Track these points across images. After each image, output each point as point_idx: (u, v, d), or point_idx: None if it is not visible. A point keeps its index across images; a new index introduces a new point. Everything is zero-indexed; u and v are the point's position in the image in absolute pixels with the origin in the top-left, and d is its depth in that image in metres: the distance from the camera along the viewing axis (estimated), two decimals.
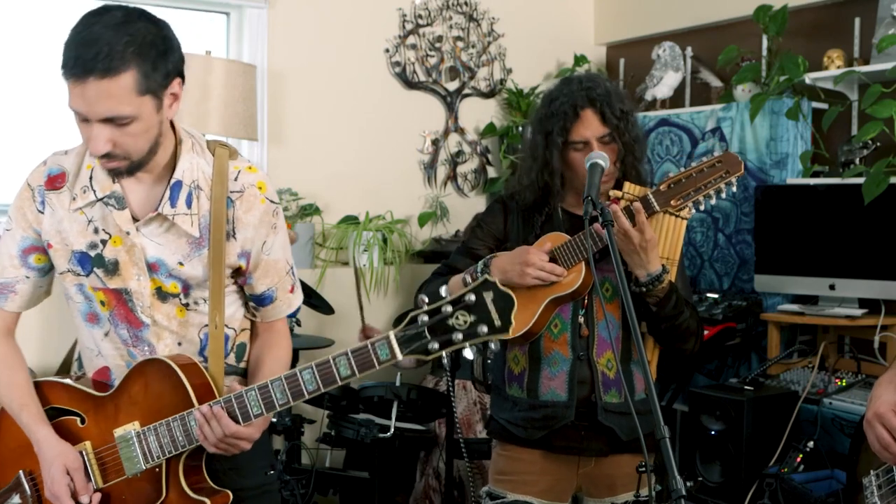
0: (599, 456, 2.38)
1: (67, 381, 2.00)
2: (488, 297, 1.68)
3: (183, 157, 1.90)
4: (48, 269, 1.99)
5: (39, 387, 2.00)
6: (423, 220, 4.56)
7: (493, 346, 1.71)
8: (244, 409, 1.81)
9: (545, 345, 2.39)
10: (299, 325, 3.78)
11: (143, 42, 1.73)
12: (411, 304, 4.35)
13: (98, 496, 1.90)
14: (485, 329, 1.68)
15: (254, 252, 1.96)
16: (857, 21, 3.81)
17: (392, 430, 3.48)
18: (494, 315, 1.68)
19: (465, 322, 1.68)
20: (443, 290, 1.71)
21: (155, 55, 1.75)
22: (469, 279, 2.37)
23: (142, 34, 1.74)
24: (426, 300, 1.70)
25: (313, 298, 3.78)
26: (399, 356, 1.71)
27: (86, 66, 1.70)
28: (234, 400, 1.82)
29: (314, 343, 3.87)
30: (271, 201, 1.97)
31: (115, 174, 1.87)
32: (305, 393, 1.78)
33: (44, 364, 2.53)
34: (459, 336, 1.68)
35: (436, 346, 1.69)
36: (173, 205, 1.89)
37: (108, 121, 1.75)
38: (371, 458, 3.54)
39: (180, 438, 1.84)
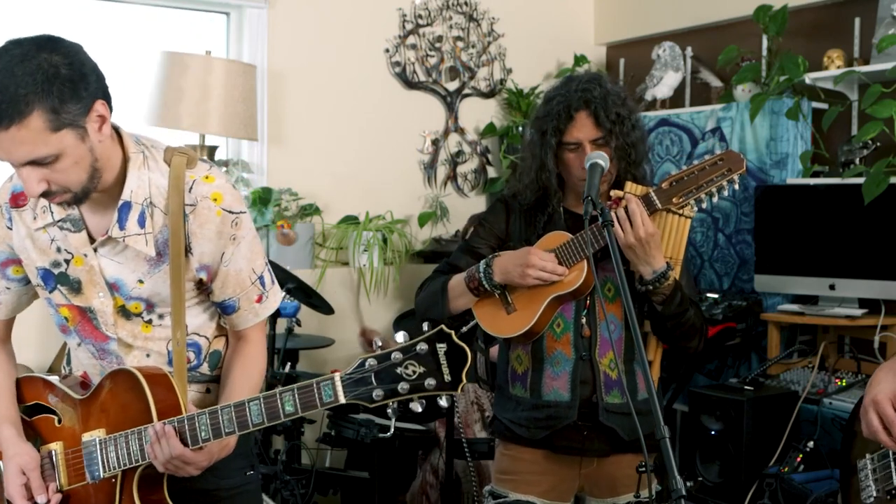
0: (601, 456, 2.39)
1: (52, 378, 2.01)
2: (441, 349, 1.62)
3: (130, 175, 1.83)
4: (28, 280, 1.98)
5: (25, 383, 2.01)
6: (423, 220, 4.56)
7: (441, 402, 1.65)
8: (194, 433, 1.78)
9: (548, 344, 2.39)
10: (299, 324, 3.78)
11: (45, 79, 1.65)
12: (411, 305, 4.35)
13: (59, 497, 1.89)
14: (433, 383, 1.61)
15: (213, 264, 1.90)
16: (857, 21, 3.81)
17: (392, 430, 3.47)
18: (445, 370, 1.61)
19: (414, 373, 1.62)
20: (399, 336, 1.65)
21: (60, 88, 1.66)
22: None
23: (42, 70, 1.65)
24: (379, 343, 1.67)
25: (313, 298, 3.78)
26: (342, 399, 1.65)
27: None
28: (186, 422, 1.79)
29: (314, 342, 3.87)
30: (229, 212, 1.87)
31: (67, 205, 1.83)
32: (250, 425, 1.75)
33: (41, 363, 2.53)
34: (406, 387, 1.62)
35: (380, 393, 1.63)
36: (122, 227, 1.84)
37: (33, 163, 1.70)
38: (371, 458, 3.54)
39: (135, 453, 1.82)
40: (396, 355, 1.63)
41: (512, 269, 2.33)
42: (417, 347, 1.62)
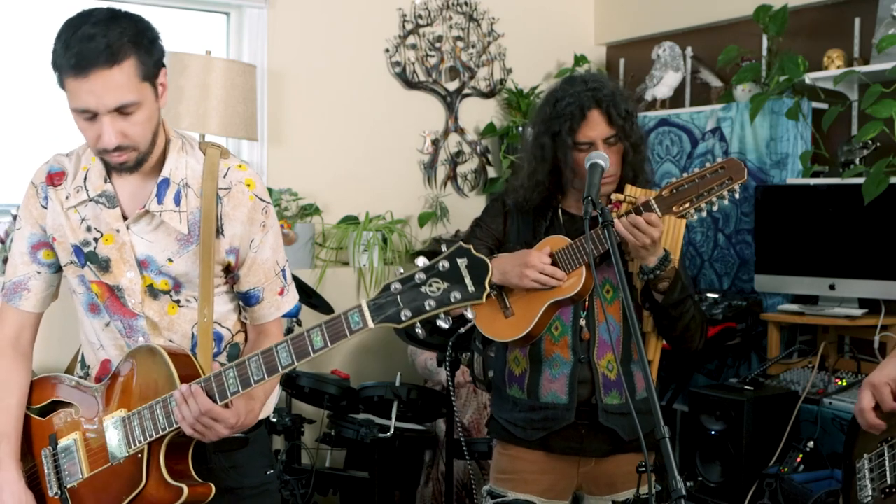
0: (601, 456, 2.39)
1: (63, 375, 2.04)
2: (462, 263, 1.63)
3: (171, 155, 1.95)
4: (57, 267, 2.03)
5: (39, 383, 2.04)
6: (423, 220, 4.56)
7: (468, 313, 1.67)
8: (222, 388, 1.80)
9: (546, 347, 2.39)
10: (300, 325, 3.78)
11: (135, 32, 1.83)
12: None
13: None
14: (458, 295, 1.62)
15: (242, 248, 1.96)
16: (857, 21, 3.81)
17: (392, 430, 3.48)
18: (468, 281, 1.63)
19: (438, 289, 1.63)
20: (419, 261, 1.67)
21: (147, 43, 1.85)
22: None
23: (131, 26, 1.84)
24: (401, 270, 1.68)
25: (313, 298, 3.78)
26: (371, 324, 1.67)
27: (89, 60, 1.77)
28: (213, 379, 1.81)
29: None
30: (260, 199, 1.97)
31: (125, 169, 1.90)
32: (280, 367, 1.76)
33: (45, 365, 2.53)
34: (432, 303, 1.63)
35: (408, 313, 1.65)
36: (160, 201, 1.92)
37: (117, 111, 1.80)
38: (371, 458, 3.54)
39: (161, 421, 1.83)
40: (420, 276, 1.65)
41: (510, 270, 2.33)
42: (439, 265, 1.64)
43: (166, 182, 1.93)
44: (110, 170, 1.95)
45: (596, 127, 2.33)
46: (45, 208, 2.00)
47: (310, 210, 4.27)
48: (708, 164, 2.27)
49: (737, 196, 2.27)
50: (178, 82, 3.60)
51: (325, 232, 4.36)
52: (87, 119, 1.82)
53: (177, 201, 1.93)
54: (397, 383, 3.62)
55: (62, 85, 1.83)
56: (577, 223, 2.39)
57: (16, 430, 2.00)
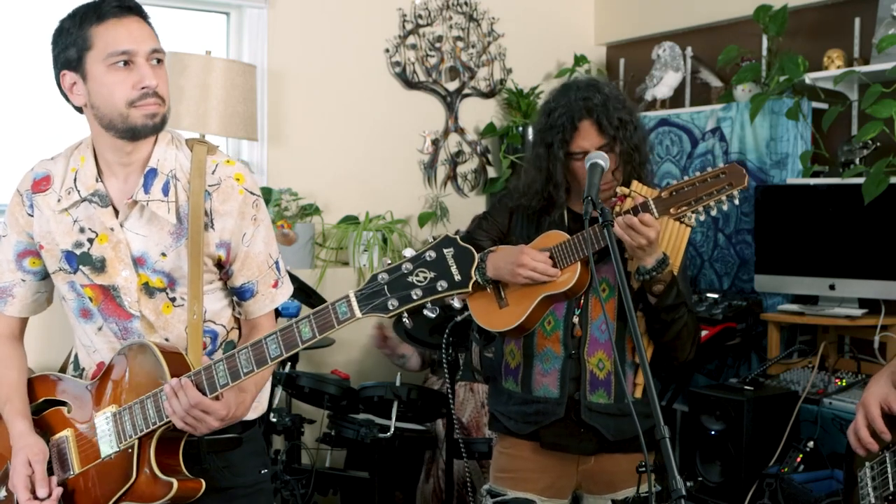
0: (588, 454, 2.41)
1: (57, 373, 2.05)
2: (449, 252, 1.67)
3: (158, 147, 1.96)
4: (44, 274, 2.03)
5: (32, 382, 2.05)
6: (423, 220, 4.56)
7: (454, 302, 1.70)
8: (211, 380, 1.81)
9: (538, 341, 2.42)
10: None
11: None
12: None
13: (59, 491, 1.93)
14: (444, 284, 1.66)
15: (233, 242, 1.97)
16: (857, 21, 3.81)
17: (392, 430, 3.48)
18: (454, 270, 1.66)
19: (425, 279, 1.66)
20: (407, 252, 1.69)
21: (155, 29, 1.97)
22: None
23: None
24: (388, 261, 1.71)
25: (313, 298, 3.77)
26: (358, 314, 1.70)
27: (129, 6, 1.90)
28: (202, 372, 1.82)
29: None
30: (250, 192, 1.98)
31: (149, 130, 1.90)
32: (269, 359, 1.78)
33: (43, 364, 2.54)
34: (419, 292, 1.66)
35: (395, 303, 1.67)
36: (147, 191, 1.92)
37: (151, 57, 1.89)
38: (371, 458, 3.54)
39: (152, 415, 1.84)
40: (407, 266, 1.67)
41: (503, 266, 2.36)
42: (426, 255, 1.67)
43: (153, 172, 1.94)
44: (100, 169, 1.95)
45: (587, 137, 2.36)
46: (32, 216, 1.99)
47: (310, 210, 4.27)
48: (709, 168, 2.29)
49: (736, 202, 2.28)
50: (178, 82, 3.60)
51: (325, 232, 4.36)
52: (123, 66, 1.86)
53: (165, 191, 1.93)
54: (397, 383, 3.62)
55: (88, 44, 1.86)
56: (581, 221, 2.40)
57: (19, 395, 2.01)
